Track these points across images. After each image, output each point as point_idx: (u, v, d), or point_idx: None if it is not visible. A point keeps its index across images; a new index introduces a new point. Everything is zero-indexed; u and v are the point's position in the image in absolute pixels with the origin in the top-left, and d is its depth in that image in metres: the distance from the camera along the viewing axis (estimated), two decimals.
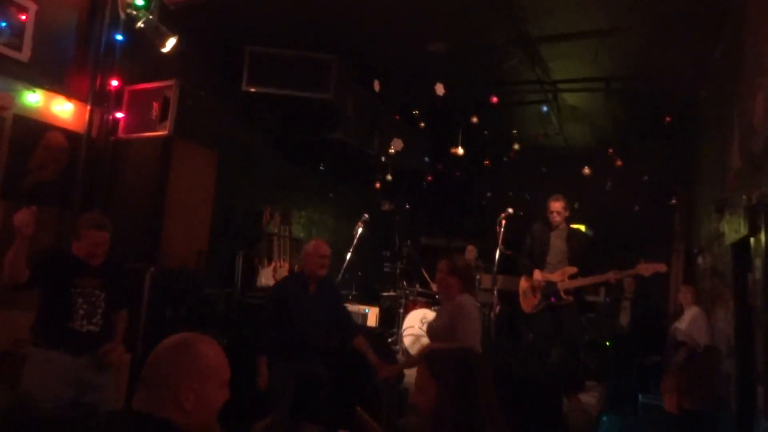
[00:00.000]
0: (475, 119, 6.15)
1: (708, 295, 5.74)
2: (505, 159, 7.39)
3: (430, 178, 8.21)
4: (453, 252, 4.87)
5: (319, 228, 7.54)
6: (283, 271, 6.62)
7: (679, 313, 6.53)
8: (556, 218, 5.40)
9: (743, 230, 4.00)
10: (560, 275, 5.34)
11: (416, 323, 7.17)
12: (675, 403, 5.68)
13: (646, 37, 5.33)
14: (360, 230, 5.95)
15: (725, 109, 4.88)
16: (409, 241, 8.63)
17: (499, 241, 5.20)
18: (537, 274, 5.40)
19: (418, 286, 7.86)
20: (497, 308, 7.76)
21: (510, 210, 5.25)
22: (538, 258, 5.49)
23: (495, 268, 5.22)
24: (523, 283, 5.52)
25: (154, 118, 4.58)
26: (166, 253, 4.54)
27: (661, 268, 4.93)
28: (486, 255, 8.30)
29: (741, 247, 4.32)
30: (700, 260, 6.26)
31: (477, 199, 8.88)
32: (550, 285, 5.37)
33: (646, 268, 4.96)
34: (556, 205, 5.39)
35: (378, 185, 7.06)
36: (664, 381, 5.96)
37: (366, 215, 5.78)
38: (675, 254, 8.53)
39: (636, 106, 6.55)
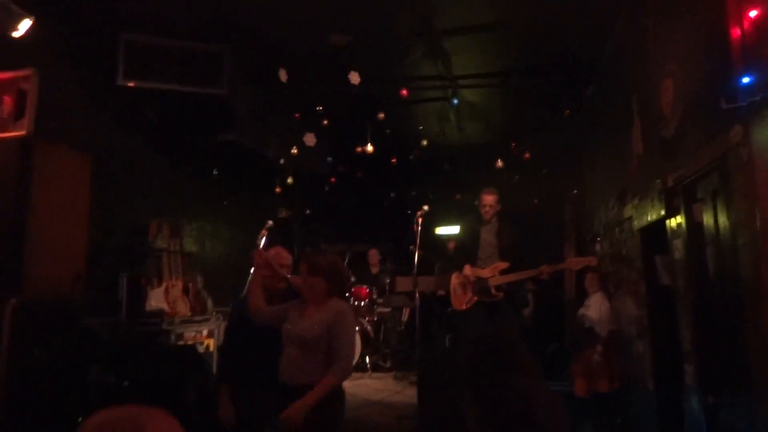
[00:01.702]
0: (381, 115, 5.89)
1: (610, 279, 5.97)
2: (411, 158, 7.22)
3: (333, 180, 7.83)
4: (325, 252, 4.58)
5: (213, 240, 6.85)
6: (177, 291, 5.89)
7: (581, 299, 6.77)
8: (488, 212, 5.28)
9: (655, 214, 4.12)
10: (491, 271, 5.22)
11: None
12: (585, 388, 5.84)
13: (539, 32, 5.40)
14: (264, 240, 5.42)
15: (620, 100, 5.07)
16: (308, 249, 8.21)
17: (418, 241, 4.98)
18: (467, 270, 5.24)
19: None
20: (407, 312, 7.62)
21: (426, 207, 5.04)
22: (469, 253, 5.34)
23: (415, 270, 4.98)
24: (454, 280, 5.35)
25: (6, 115, 3.76)
26: (32, 280, 3.76)
27: (591, 261, 5.00)
28: (396, 257, 8.14)
29: (650, 230, 4.48)
30: (598, 247, 6.53)
31: (381, 201, 8.65)
32: (481, 281, 5.24)
33: (576, 262, 5.00)
34: (489, 199, 5.27)
35: (278, 190, 6.54)
36: (573, 367, 6.13)
37: (270, 222, 5.27)
38: (567, 243, 8.96)
39: (531, 101, 6.70)
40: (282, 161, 6.47)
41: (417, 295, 4.89)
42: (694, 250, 3.37)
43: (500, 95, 6.70)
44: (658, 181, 3.81)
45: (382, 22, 5.22)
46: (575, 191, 6.58)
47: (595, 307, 5.96)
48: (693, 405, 3.39)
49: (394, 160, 7.30)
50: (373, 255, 7.92)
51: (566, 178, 7.72)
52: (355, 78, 4.83)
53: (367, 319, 7.11)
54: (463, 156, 7.90)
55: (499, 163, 6.62)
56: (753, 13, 2.55)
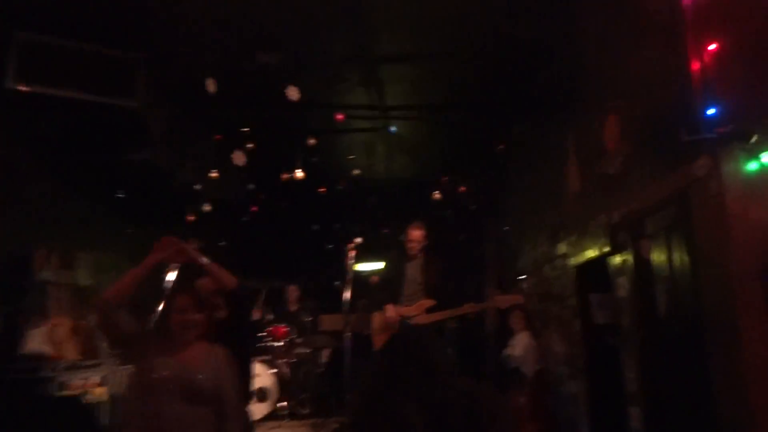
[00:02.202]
0: (312, 141, 5.54)
1: (537, 318, 5.92)
2: (339, 188, 6.88)
3: (255, 209, 7.29)
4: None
5: (112, 273, 6.03)
6: (64, 332, 5.06)
7: (504, 338, 6.68)
8: (415, 247, 5.01)
9: (595, 251, 4.08)
10: (416, 309, 4.94)
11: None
12: None
13: (472, 66, 5.38)
14: (172, 276, 4.79)
15: (552, 138, 5.12)
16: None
17: (349, 275, 4.61)
18: (390, 310, 4.92)
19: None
20: (327, 353, 7.14)
21: (359, 240, 4.71)
22: (394, 290, 5.03)
23: (347, 307, 4.59)
24: (378, 318, 4.99)
25: None
26: None
27: (518, 299, 4.86)
28: (317, 294, 7.65)
29: (586, 268, 4.45)
30: (524, 285, 6.50)
31: (302, 234, 8.19)
32: (405, 320, 4.93)
33: (503, 300, 4.85)
34: (416, 234, 5.00)
35: (191, 218, 5.93)
36: None
37: None
38: (488, 281, 8.95)
39: (462, 135, 6.65)
40: (198, 186, 5.89)
41: (349, 334, 4.49)
42: (642, 287, 3.30)
43: (431, 128, 6.60)
44: (602, 216, 3.76)
45: (316, 44, 4.95)
46: (506, 228, 6.57)
47: (521, 347, 5.86)
48: None
49: (323, 190, 6.93)
50: (292, 291, 7.39)
51: (491, 215, 7.74)
52: (293, 94, 4.47)
53: (284, 361, 6.55)
54: (391, 189, 7.69)
55: (437, 195, 6.46)
56: (712, 47, 2.55)
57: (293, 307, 7.43)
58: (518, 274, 6.91)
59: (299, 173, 5.50)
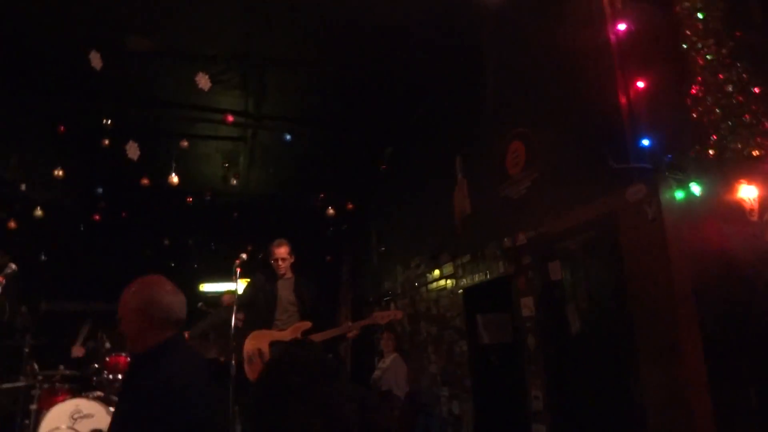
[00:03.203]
0: (185, 143, 4.88)
1: (409, 339, 5.93)
2: (207, 198, 6.16)
3: (98, 217, 6.14)
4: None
5: None
6: None
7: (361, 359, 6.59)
8: (282, 265, 4.62)
9: (490, 273, 4.19)
10: (292, 332, 4.55)
11: (64, 421, 5.08)
12: None
13: (353, 84, 5.30)
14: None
15: (436, 161, 5.23)
16: (24, 308, 6.31)
17: (237, 299, 4.08)
18: (263, 334, 4.47)
19: (61, 368, 5.69)
20: None
21: (244, 255, 4.21)
22: (264, 314, 4.57)
23: (232, 331, 4.02)
24: (248, 346, 4.47)
25: None
26: None
27: (398, 315, 4.75)
28: None
29: (475, 290, 4.56)
30: (391, 306, 6.49)
31: (147, 249, 7.17)
32: (281, 345, 4.51)
33: (382, 316, 4.69)
34: (281, 251, 4.62)
35: (12, 225, 4.79)
36: None
37: (13, 266, 3.73)
38: (342, 305, 8.81)
39: (334, 153, 6.48)
40: (23, 187, 4.79)
41: (232, 362, 3.94)
42: (549, 307, 3.45)
43: (305, 142, 6.31)
44: (506, 239, 3.87)
45: (198, 35, 4.41)
46: (383, 248, 6.50)
47: (392, 369, 5.80)
48: None
49: (189, 200, 6.14)
50: None
51: (352, 236, 7.65)
52: (204, 82, 3.86)
53: None
54: (252, 203, 7.16)
55: (331, 211, 6.13)
56: (640, 84, 2.78)
57: None
58: (383, 295, 6.90)
59: (175, 179, 4.78)
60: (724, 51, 2.74)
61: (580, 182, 3.13)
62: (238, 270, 4.20)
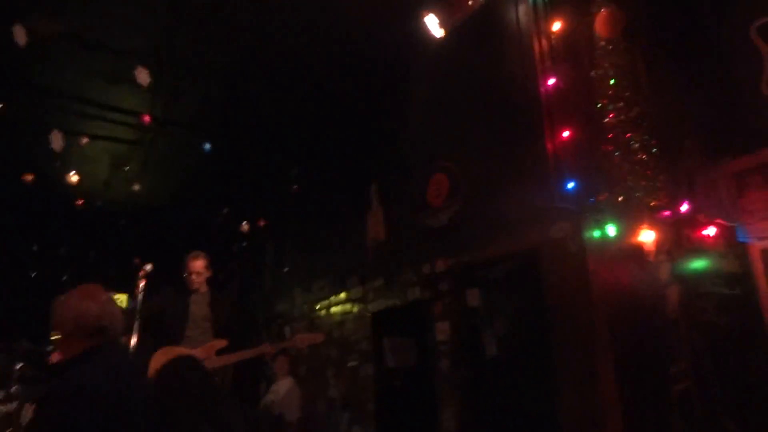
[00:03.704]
0: (86, 140, 4.42)
1: (304, 362, 5.83)
2: (96, 204, 5.56)
3: None
4: None
5: None
6: None
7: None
8: (197, 280, 4.37)
9: (403, 298, 4.33)
10: (205, 351, 4.27)
11: None
12: None
13: (265, 99, 5.24)
14: None
15: (346, 186, 5.33)
16: None
17: (138, 309, 3.74)
18: (170, 352, 4.16)
19: None
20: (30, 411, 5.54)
21: (149, 267, 3.90)
22: (173, 329, 4.26)
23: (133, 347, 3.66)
24: (154, 364, 4.12)
25: None
26: None
27: (318, 338, 4.66)
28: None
29: (384, 314, 4.66)
30: (286, 330, 6.35)
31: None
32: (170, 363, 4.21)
33: (302, 339, 4.59)
34: (197, 264, 4.37)
35: None
36: None
37: None
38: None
39: (248, 168, 6.23)
40: None
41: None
42: (465, 332, 3.65)
43: (206, 154, 6.03)
44: (425, 266, 4.04)
45: (101, 27, 4.09)
46: (286, 269, 6.32)
47: (285, 393, 5.67)
48: None
49: (81, 202, 5.49)
50: None
51: (245, 255, 7.39)
52: (143, 77, 3.52)
53: None
54: (141, 214, 6.63)
55: (245, 226, 5.81)
56: (566, 133, 3.13)
57: None
58: (276, 317, 6.73)
59: (74, 178, 4.30)
60: (631, 114, 3.18)
61: (503, 217, 3.39)
62: (142, 282, 3.90)
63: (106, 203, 6.42)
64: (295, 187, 5.63)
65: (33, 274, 6.88)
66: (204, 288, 4.49)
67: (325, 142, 5.51)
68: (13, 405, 5.17)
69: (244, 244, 6.68)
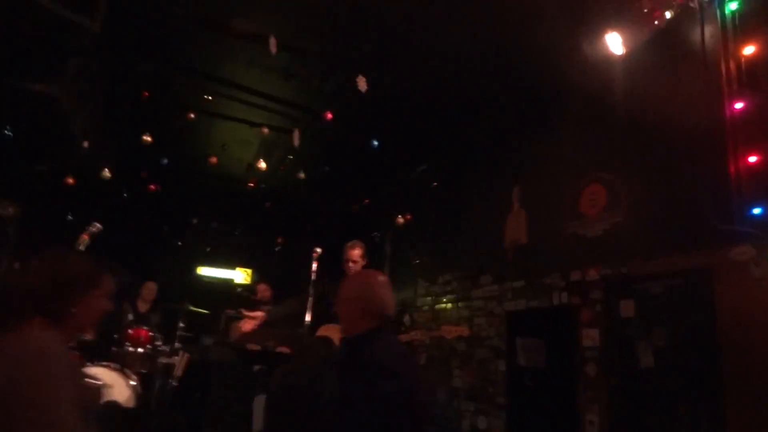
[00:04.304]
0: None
1: (424, 350, 6.14)
2: (255, 187, 6.14)
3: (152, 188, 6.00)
4: None
5: None
6: None
7: None
8: (353, 267, 4.77)
9: (543, 301, 4.49)
10: None
11: None
12: None
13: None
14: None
15: (485, 188, 5.55)
16: None
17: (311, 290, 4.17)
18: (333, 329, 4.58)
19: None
20: (184, 361, 6.21)
21: (319, 250, 4.32)
22: (332, 310, 4.68)
23: (309, 320, 4.11)
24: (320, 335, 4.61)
25: None
26: None
27: (465, 331, 4.94)
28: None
29: (519, 315, 4.85)
30: (406, 318, 6.69)
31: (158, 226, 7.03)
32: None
33: (449, 330, 4.89)
34: (354, 253, 4.75)
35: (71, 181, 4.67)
36: None
37: (98, 224, 3.69)
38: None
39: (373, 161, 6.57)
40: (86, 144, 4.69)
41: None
42: (616, 341, 3.77)
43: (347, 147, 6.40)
44: (574, 272, 4.19)
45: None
46: (417, 261, 6.67)
47: None
48: None
49: (253, 184, 6.10)
50: (149, 289, 6.29)
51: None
52: (362, 84, 3.95)
53: (140, 371, 5.46)
54: (282, 197, 7.17)
55: (400, 220, 6.24)
56: (752, 158, 3.17)
57: (144, 307, 6.34)
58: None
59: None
60: None
61: (671, 234, 3.48)
62: (315, 264, 4.32)
63: (263, 187, 6.97)
64: (435, 183, 5.90)
65: (180, 243, 7.63)
66: None
67: (470, 143, 5.72)
68: (175, 358, 5.87)
69: (377, 234, 7.07)
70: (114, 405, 5.14)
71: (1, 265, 6.77)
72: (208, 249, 7.13)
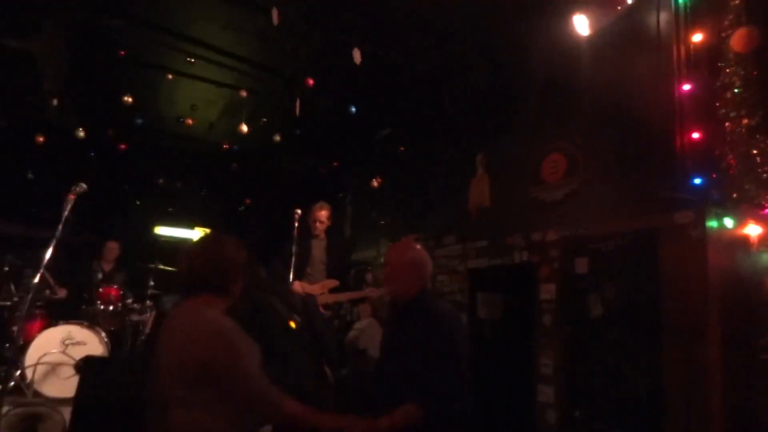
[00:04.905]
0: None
1: (385, 308, 6.51)
2: (229, 148, 6.15)
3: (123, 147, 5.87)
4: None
5: None
6: None
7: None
8: (320, 227, 5.04)
9: (495, 259, 4.92)
10: (320, 288, 4.99)
11: (55, 346, 5.04)
12: None
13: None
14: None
15: (448, 154, 5.87)
16: None
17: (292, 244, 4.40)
18: (297, 286, 4.86)
19: (48, 292, 5.53)
20: (150, 319, 6.32)
21: (299, 211, 4.53)
22: (297, 268, 4.93)
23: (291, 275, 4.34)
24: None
25: None
26: None
27: None
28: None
29: (479, 272, 5.28)
30: (368, 276, 7.02)
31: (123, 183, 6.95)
32: (309, 298, 4.94)
33: None
34: (322, 214, 5.04)
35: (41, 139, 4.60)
36: None
37: (83, 185, 3.74)
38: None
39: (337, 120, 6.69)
40: (54, 102, 4.59)
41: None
42: (570, 294, 4.25)
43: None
44: (535, 233, 4.61)
45: None
46: (382, 221, 6.93)
47: (369, 331, 6.37)
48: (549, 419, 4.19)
49: (226, 146, 6.08)
50: (112, 248, 6.27)
51: None
52: (357, 56, 4.04)
53: (110, 329, 5.54)
54: (247, 159, 7.22)
55: (375, 183, 6.41)
56: (695, 135, 3.62)
57: (108, 267, 6.35)
58: (358, 264, 7.40)
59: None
60: (752, 122, 3.65)
61: (623, 199, 3.93)
62: (296, 224, 4.55)
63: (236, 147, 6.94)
64: (401, 148, 6.15)
65: (138, 202, 7.57)
66: (323, 236, 5.16)
67: (436, 109, 5.97)
68: (145, 316, 5.98)
69: (340, 195, 7.28)
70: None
71: None
72: (170, 209, 7.13)
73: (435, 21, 4.79)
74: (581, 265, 4.22)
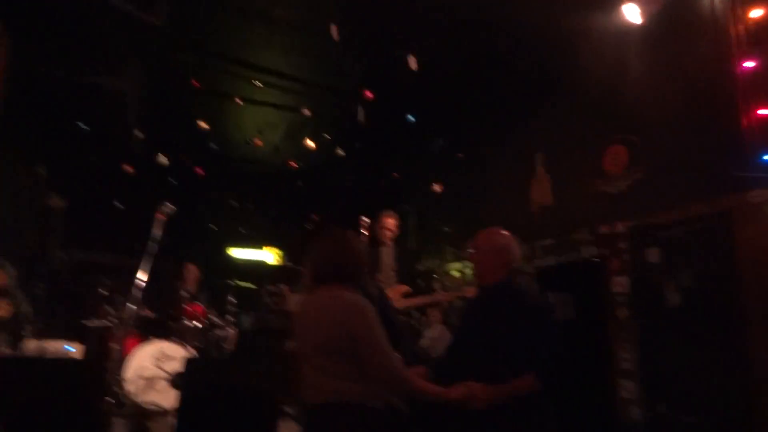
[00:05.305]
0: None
1: (454, 313, 6.54)
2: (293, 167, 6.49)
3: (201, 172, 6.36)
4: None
5: None
6: None
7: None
8: (388, 235, 5.18)
9: (571, 256, 4.89)
10: (394, 293, 5.11)
11: (149, 361, 5.40)
12: None
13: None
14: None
15: (505, 157, 5.91)
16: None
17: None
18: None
19: (138, 310, 5.93)
20: (234, 336, 6.63)
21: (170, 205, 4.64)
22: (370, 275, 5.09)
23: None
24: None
25: None
26: None
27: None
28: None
29: (549, 271, 5.25)
30: (437, 285, 7.09)
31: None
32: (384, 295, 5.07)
33: (471, 291, 5.29)
34: (390, 222, 5.18)
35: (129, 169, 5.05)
36: None
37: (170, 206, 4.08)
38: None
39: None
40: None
41: None
42: (644, 285, 4.17)
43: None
44: (602, 227, 4.57)
45: None
46: (447, 229, 7.04)
47: (441, 338, 6.41)
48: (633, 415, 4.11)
49: (294, 165, 6.45)
50: (191, 271, 6.69)
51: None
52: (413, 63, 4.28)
53: (195, 345, 5.89)
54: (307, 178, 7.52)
55: (437, 188, 6.61)
56: (763, 111, 3.52)
57: (191, 287, 6.75)
58: (423, 273, 7.48)
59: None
60: None
61: (690, 184, 3.85)
62: (366, 232, 4.71)
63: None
64: (459, 155, 6.25)
65: (213, 227, 8.02)
66: (389, 243, 5.29)
67: (492, 113, 6.02)
68: (228, 331, 6.32)
69: (403, 206, 7.42)
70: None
71: (51, 254, 7.17)
72: (242, 230, 7.52)
73: (484, 21, 4.84)
74: (653, 255, 4.15)
